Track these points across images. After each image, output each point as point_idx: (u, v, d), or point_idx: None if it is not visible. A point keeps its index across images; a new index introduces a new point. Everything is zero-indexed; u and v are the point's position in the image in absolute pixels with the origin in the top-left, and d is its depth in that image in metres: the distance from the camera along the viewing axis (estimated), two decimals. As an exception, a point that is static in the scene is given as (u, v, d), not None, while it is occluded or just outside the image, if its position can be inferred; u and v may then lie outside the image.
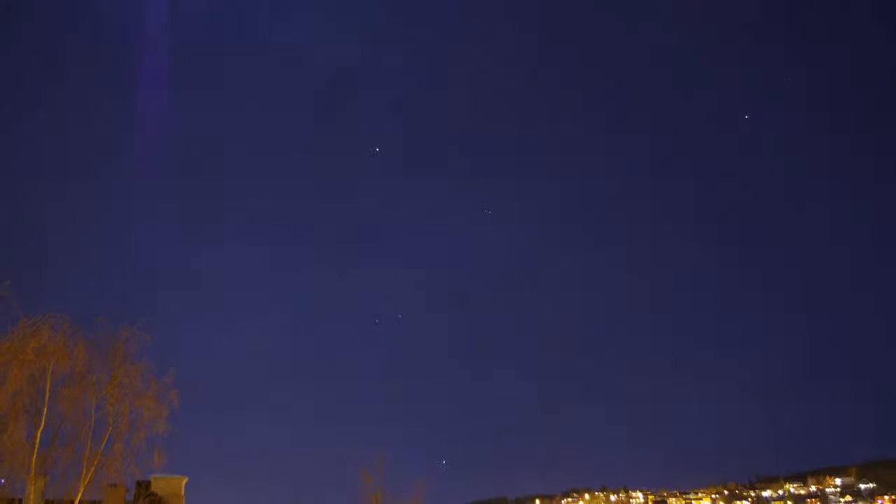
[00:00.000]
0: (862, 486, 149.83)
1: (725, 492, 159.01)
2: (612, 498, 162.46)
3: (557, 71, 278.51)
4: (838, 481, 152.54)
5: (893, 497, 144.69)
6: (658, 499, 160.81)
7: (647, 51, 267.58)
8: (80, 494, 24.03)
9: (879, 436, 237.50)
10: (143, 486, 27.89)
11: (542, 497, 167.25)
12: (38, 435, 23.42)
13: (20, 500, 24.30)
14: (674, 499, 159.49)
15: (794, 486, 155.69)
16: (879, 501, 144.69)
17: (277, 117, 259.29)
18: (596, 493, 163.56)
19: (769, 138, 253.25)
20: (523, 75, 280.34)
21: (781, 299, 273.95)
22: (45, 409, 23.57)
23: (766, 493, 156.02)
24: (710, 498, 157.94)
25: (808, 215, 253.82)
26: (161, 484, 29.09)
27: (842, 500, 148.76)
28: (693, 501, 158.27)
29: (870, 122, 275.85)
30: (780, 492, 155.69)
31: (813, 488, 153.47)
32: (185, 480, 30.26)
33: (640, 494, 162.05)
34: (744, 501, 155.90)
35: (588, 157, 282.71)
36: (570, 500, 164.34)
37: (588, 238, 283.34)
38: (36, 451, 23.29)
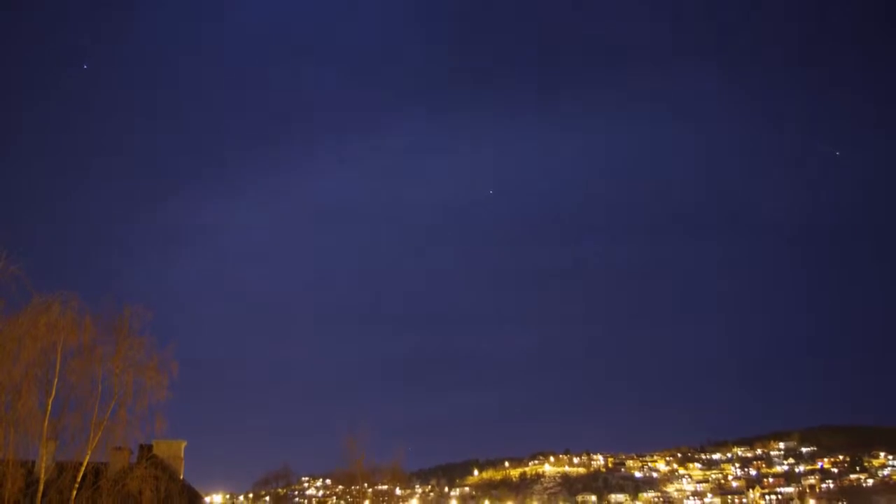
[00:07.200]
0: (804, 450, 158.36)
1: (679, 455, 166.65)
2: (575, 460, 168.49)
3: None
4: (782, 445, 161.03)
5: (832, 459, 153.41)
6: (617, 461, 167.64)
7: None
8: (87, 457, 25.49)
9: (820, 404, 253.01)
10: (146, 449, 29.49)
11: (510, 459, 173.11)
12: (50, 403, 24.83)
13: (33, 462, 25.86)
14: (631, 461, 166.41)
15: (742, 449, 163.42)
16: (820, 464, 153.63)
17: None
18: (560, 456, 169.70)
19: None
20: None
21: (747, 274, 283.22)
22: (56, 380, 24.94)
23: (717, 456, 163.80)
24: (665, 460, 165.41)
25: None
26: (162, 447, 30.69)
27: (785, 462, 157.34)
28: (649, 463, 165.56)
29: None
30: (729, 455, 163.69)
31: (759, 451, 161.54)
32: (184, 444, 32.10)
33: (600, 457, 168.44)
34: (696, 463, 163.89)
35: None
36: (536, 462, 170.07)
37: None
38: (47, 417, 24.71)
